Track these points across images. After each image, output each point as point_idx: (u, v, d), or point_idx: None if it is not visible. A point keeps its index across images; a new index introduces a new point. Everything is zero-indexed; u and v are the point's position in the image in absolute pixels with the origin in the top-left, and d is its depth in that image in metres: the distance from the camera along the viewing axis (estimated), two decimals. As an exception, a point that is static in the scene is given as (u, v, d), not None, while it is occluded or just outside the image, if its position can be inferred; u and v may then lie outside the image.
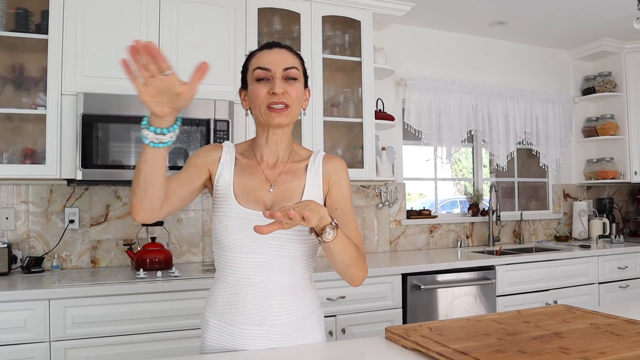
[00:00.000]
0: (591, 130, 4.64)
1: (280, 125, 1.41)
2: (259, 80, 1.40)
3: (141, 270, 2.69)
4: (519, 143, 4.39)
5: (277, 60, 1.40)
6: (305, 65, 1.51)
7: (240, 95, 1.50)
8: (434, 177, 4.31)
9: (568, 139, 4.58)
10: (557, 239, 4.47)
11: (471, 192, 4.38)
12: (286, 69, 1.40)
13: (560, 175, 4.69)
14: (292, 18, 3.31)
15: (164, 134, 1.17)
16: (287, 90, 1.39)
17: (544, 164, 4.50)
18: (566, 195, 4.71)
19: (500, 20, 3.98)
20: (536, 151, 4.47)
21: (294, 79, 1.41)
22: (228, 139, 2.88)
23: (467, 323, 1.48)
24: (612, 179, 4.49)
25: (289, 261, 1.39)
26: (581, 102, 4.72)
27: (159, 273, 2.67)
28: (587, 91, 4.65)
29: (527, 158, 4.68)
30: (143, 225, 3.08)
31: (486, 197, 4.38)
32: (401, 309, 3.03)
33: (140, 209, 1.26)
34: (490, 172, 4.64)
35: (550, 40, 4.46)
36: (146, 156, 1.20)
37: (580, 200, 4.68)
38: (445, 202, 5.42)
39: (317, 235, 1.29)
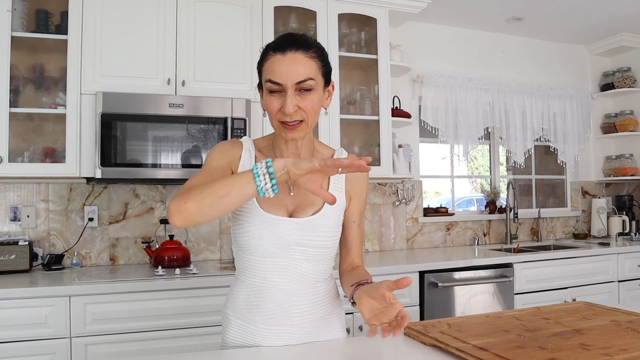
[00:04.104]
0: (610, 126, 4.58)
1: (294, 139, 1.35)
2: (271, 91, 1.30)
3: (159, 267, 2.71)
4: (537, 140, 4.35)
5: (289, 72, 1.27)
6: (327, 59, 1.37)
7: (259, 92, 1.39)
8: (451, 174, 4.29)
9: (586, 135, 4.53)
10: (576, 236, 4.43)
11: (488, 189, 4.35)
12: (299, 82, 1.28)
13: (579, 172, 4.64)
14: (308, 16, 3.31)
15: (272, 186, 1.14)
16: (301, 106, 1.29)
17: (562, 161, 4.45)
18: (585, 193, 4.66)
19: (517, 17, 3.94)
20: (554, 148, 4.43)
21: (309, 89, 1.30)
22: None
23: (486, 319, 1.48)
24: (631, 175, 4.43)
25: (310, 264, 1.38)
26: (600, 98, 4.67)
27: (177, 270, 2.69)
28: (606, 87, 4.59)
29: (545, 155, 4.64)
30: (161, 222, 3.11)
31: (503, 194, 4.35)
32: (418, 307, 3.02)
33: (190, 215, 1.17)
34: (508, 170, 4.60)
35: (568, 35, 4.42)
36: (243, 190, 1.16)
37: (599, 197, 4.62)
38: (461, 200, 5.39)
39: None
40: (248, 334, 1.38)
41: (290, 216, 1.37)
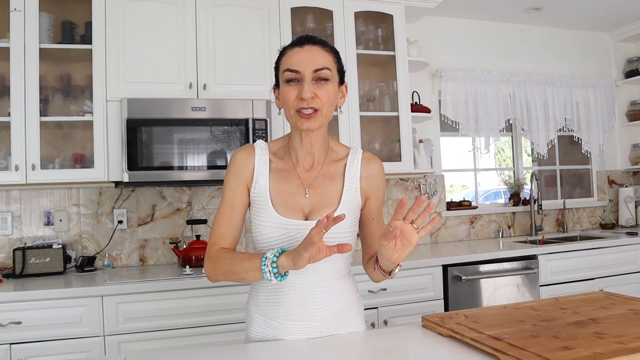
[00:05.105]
0: (636, 113, 4.51)
1: (309, 129, 1.37)
2: (289, 81, 1.36)
3: (187, 267, 2.79)
4: (560, 130, 4.31)
5: (307, 61, 1.35)
6: (341, 61, 1.45)
7: (274, 93, 1.46)
8: (474, 167, 4.29)
9: (611, 123, 4.47)
10: (603, 226, 4.38)
11: (512, 181, 4.34)
12: (316, 70, 1.34)
13: (605, 161, 4.58)
14: (324, 15, 3.35)
15: (277, 280, 1.29)
16: (317, 94, 1.34)
17: (587, 151, 4.40)
18: (611, 182, 4.60)
19: (536, 6, 3.91)
20: (578, 138, 4.38)
21: (325, 79, 1.36)
22: (266, 137, 2.94)
23: (503, 310, 1.50)
24: (659, 163, 4.36)
25: (328, 264, 1.42)
26: (624, 85, 4.59)
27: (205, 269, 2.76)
28: (631, 74, 4.52)
29: (570, 145, 4.59)
30: (188, 223, 3.19)
31: (527, 186, 4.33)
32: (442, 300, 3.04)
33: (220, 282, 1.48)
34: (533, 161, 4.57)
35: (589, 23, 4.36)
36: (255, 277, 1.33)
37: (626, 186, 4.56)
38: (489, 192, 5.37)
39: (384, 271, 1.37)
40: (270, 329, 1.43)
41: (307, 218, 1.41)
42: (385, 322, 2.88)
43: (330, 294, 1.44)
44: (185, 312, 2.54)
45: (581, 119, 4.36)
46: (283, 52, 1.42)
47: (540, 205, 4.02)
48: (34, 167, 2.73)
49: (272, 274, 1.27)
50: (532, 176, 4.10)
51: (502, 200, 4.46)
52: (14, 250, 2.79)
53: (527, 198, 4.19)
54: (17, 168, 2.71)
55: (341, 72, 1.44)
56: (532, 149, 4.49)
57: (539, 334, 1.23)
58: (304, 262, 1.21)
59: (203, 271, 2.72)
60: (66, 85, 3.05)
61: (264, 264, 1.27)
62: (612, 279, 3.50)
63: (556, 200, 4.41)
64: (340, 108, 1.47)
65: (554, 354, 1.08)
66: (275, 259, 1.26)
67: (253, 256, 1.32)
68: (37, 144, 2.75)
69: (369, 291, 2.82)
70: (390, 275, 1.38)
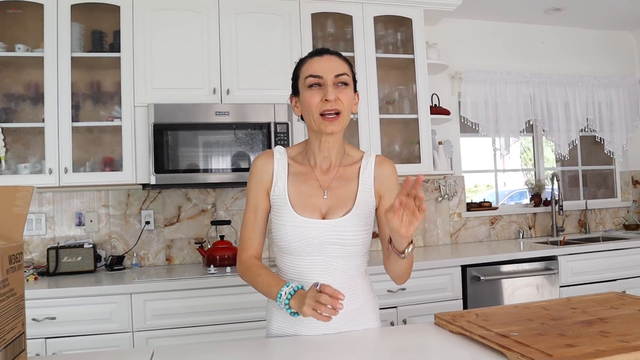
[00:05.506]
0: (661, 113, 4.47)
1: (332, 132, 1.46)
2: (311, 86, 1.45)
3: (212, 266, 2.88)
4: (582, 130, 4.30)
5: (328, 67, 1.45)
6: (354, 70, 1.55)
7: (291, 102, 1.55)
8: (494, 168, 4.30)
9: (635, 123, 4.43)
10: (627, 227, 4.35)
11: (532, 182, 4.34)
12: (337, 75, 1.44)
13: (629, 162, 4.55)
14: (344, 20, 3.41)
15: (292, 317, 1.39)
16: (339, 97, 1.43)
17: (609, 151, 4.38)
18: (635, 182, 4.56)
19: (556, 7, 3.91)
20: (601, 138, 4.36)
21: (345, 84, 1.46)
22: (288, 140, 3.02)
23: (514, 310, 1.55)
24: (684, 163, 4.31)
25: (344, 261, 1.50)
26: (648, 84, 4.55)
27: (228, 269, 2.86)
28: (655, 73, 4.48)
29: (593, 145, 4.56)
30: (212, 224, 3.29)
31: (548, 186, 4.32)
32: (461, 300, 3.08)
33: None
34: (557, 161, 4.55)
35: (611, 22, 4.33)
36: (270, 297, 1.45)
37: (650, 186, 4.52)
38: (514, 192, 5.37)
39: (397, 250, 1.40)
40: (289, 324, 1.51)
41: (324, 218, 1.49)
42: (405, 321, 2.93)
43: (347, 290, 1.50)
44: (210, 309, 2.64)
45: (604, 119, 4.34)
46: (302, 62, 1.52)
47: (561, 206, 4.02)
48: (66, 170, 2.86)
49: (285, 309, 1.37)
50: (552, 177, 4.10)
51: (527, 200, 4.46)
52: (48, 249, 2.93)
53: (549, 199, 4.19)
54: (50, 171, 2.84)
55: (355, 80, 1.54)
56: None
57: (545, 332, 1.28)
58: (308, 315, 1.28)
59: (228, 270, 2.82)
60: (96, 92, 3.18)
61: (279, 300, 1.38)
62: (635, 280, 3.48)
63: (578, 201, 4.40)
64: (354, 114, 1.55)
65: (557, 350, 1.12)
66: (287, 301, 1.36)
67: (272, 284, 1.42)
68: (69, 148, 2.88)
69: (389, 290, 2.88)
70: (403, 254, 1.38)
